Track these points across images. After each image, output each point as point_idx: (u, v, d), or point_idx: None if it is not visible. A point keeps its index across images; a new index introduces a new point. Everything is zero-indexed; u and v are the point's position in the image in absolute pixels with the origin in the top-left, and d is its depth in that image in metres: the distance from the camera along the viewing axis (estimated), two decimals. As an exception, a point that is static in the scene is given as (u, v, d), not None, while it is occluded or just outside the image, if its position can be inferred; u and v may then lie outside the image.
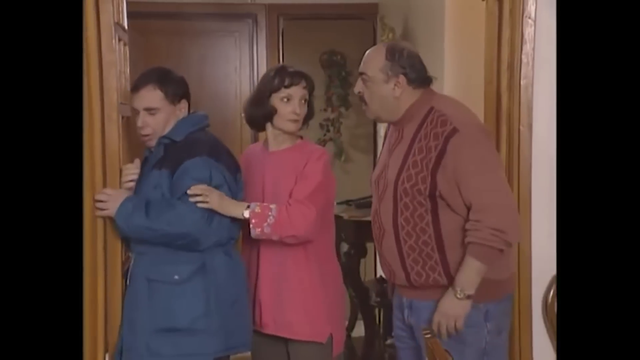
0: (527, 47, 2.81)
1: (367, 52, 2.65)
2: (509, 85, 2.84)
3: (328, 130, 6.16)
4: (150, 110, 2.67)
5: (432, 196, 2.47)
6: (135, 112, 2.71)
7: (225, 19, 5.91)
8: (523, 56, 2.81)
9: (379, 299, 4.34)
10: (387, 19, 5.16)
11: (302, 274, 2.73)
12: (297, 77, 2.76)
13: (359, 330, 4.65)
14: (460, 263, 2.46)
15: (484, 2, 2.93)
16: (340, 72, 6.21)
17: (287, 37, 5.98)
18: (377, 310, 4.51)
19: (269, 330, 2.76)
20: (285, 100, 2.74)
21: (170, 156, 2.63)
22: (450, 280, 2.49)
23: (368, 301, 4.35)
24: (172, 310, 2.58)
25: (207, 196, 2.56)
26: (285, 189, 2.71)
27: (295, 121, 2.76)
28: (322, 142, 5.98)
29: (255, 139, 6.01)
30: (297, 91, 2.75)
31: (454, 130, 2.44)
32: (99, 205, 2.62)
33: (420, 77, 2.58)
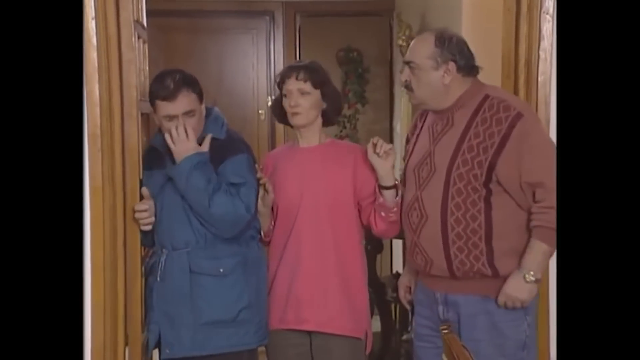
0: (545, 43, 2.80)
1: (414, 40, 2.64)
2: (526, 81, 2.84)
3: (344, 127, 6.18)
4: (189, 113, 2.63)
5: (488, 182, 2.45)
6: (168, 119, 2.63)
7: (243, 16, 5.95)
8: (541, 52, 2.80)
9: (395, 295, 4.34)
10: (403, 16, 5.16)
11: (349, 270, 2.74)
12: (289, 70, 2.75)
13: (375, 325, 4.63)
14: (505, 253, 2.45)
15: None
16: (357, 69, 6.21)
17: (304, 34, 5.99)
18: (393, 306, 4.52)
19: (309, 326, 2.71)
20: (285, 96, 2.75)
21: (213, 153, 2.65)
22: (494, 271, 2.46)
23: (384, 297, 4.36)
24: (218, 303, 2.63)
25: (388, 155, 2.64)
26: (328, 183, 2.72)
27: (295, 114, 2.73)
28: (339, 139, 5.99)
29: (273, 136, 6.07)
30: (292, 84, 2.72)
31: (519, 115, 2.44)
32: (174, 134, 2.60)
33: (469, 65, 2.57)
